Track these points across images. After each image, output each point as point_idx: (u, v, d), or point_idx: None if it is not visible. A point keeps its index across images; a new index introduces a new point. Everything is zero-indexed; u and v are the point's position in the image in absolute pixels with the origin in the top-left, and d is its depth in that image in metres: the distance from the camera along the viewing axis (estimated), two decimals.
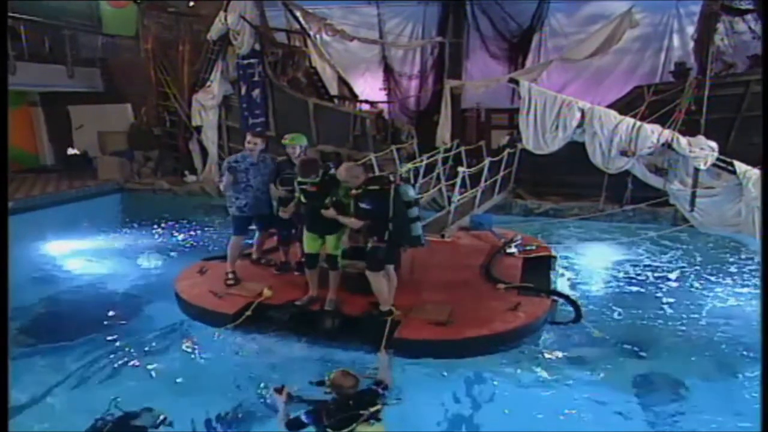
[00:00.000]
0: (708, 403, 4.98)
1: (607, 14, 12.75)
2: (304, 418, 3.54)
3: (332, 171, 5.66)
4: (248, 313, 5.89)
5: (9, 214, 10.70)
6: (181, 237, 10.68)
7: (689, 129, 9.24)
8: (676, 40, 13.37)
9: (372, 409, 3.48)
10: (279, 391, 3.66)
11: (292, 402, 3.66)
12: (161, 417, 4.05)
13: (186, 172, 14.49)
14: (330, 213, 5.47)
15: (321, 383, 3.70)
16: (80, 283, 8.08)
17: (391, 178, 5.52)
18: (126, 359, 5.59)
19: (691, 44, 12.08)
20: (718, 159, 7.81)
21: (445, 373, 5.23)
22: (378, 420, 3.50)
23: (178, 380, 5.19)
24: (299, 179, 5.63)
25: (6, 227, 3.89)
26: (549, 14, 14.35)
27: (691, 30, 12.49)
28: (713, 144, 7.86)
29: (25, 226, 10.70)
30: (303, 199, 5.77)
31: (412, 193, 5.67)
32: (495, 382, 5.15)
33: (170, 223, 11.44)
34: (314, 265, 6.00)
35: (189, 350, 5.72)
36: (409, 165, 9.19)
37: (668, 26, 13.42)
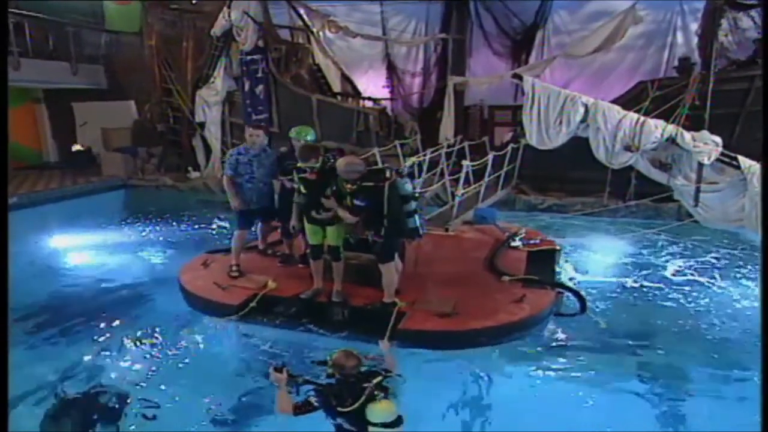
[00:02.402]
0: (714, 397, 4.98)
1: (611, 11, 12.70)
2: (314, 401, 3.53)
3: (332, 161, 5.67)
4: (253, 304, 5.90)
5: (14, 209, 10.90)
6: (183, 232, 10.71)
7: (693, 124, 9.24)
8: (680, 37, 13.32)
9: (374, 381, 3.48)
10: (279, 370, 3.64)
11: (295, 383, 3.64)
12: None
13: (189, 169, 14.52)
14: (331, 203, 5.46)
15: (323, 363, 3.71)
16: (84, 276, 8.13)
17: (387, 174, 5.47)
18: (130, 350, 5.62)
19: (695, 41, 12.06)
20: (722, 154, 7.81)
21: (450, 364, 5.24)
22: (385, 393, 3.50)
23: (183, 371, 5.21)
24: (299, 165, 5.59)
25: (6, 227, 3.87)
26: (552, 11, 14.34)
27: (695, 27, 12.47)
28: (717, 139, 7.86)
29: (29, 221, 10.80)
30: (302, 189, 5.76)
31: (409, 187, 5.65)
32: (499, 373, 5.17)
33: (173, 218, 11.48)
34: (318, 255, 6.00)
35: (193, 341, 5.75)
36: (412, 159, 9.19)
37: (672, 23, 13.39)
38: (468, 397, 4.92)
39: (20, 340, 5.84)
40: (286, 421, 3.81)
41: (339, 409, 3.45)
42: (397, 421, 3.49)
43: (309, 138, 6.42)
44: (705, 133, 8.06)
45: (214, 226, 10.90)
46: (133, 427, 4.19)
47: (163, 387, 4.92)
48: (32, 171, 14.96)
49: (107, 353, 5.60)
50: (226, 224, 10.54)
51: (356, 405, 3.41)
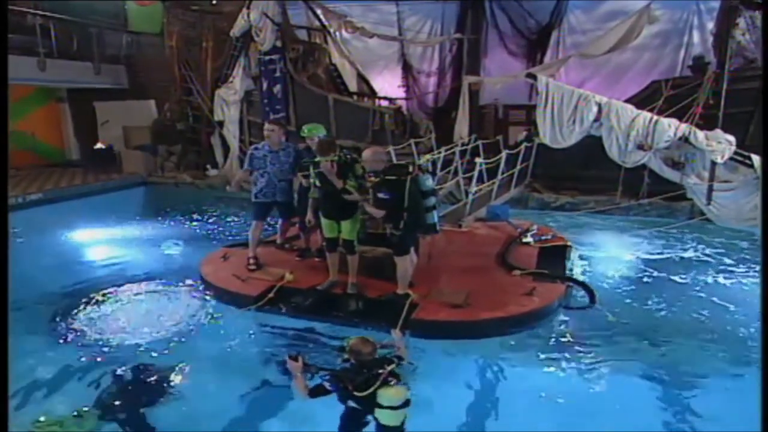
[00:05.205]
0: (725, 393, 5.03)
1: (627, 11, 12.64)
2: (327, 385, 3.69)
3: (348, 157, 5.85)
4: (271, 295, 6.10)
5: (39, 205, 11.22)
6: (201, 227, 10.97)
7: (707, 123, 9.26)
8: (696, 37, 13.25)
9: (388, 368, 3.64)
10: (294, 358, 3.80)
11: (309, 370, 3.79)
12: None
13: (208, 166, 14.75)
14: (355, 197, 5.65)
15: (341, 349, 3.87)
16: (106, 269, 8.32)
17: (410, 169, 5.67)
18: (148, 339, 5.79)
19: (711, 39, 12.04)
20: (735, 152, 7.83)
21: (460, 354, 5.37)
22: (398, 379, 3.65)
23: (202, 358, 5.35)
24: (316, 159, 5.78)
25: (6, 227, 4.01)
26: (568, 11, 14.33)
27: (711, 26, 12.45)
28: (731, 138, 7.88)
29: (53, 216, 11.12)
30: (318, 183, 5.94)
31: (430, 183, 5.85)
32: (508, 363, 5.27)
33: (191, 214, 11.75)
34: (334, 248, 6.19)
35: (212, 330, 5.92)
36: (427, 156, 9.31)
37: (688, 22, 13.33)
38: (476, 386, 5.02)
39: (44, 328, 6.05)
40: (301, 406, 4.00)
41: (355, 393, 3.60)
42: (405, 404, 3.65)
43: (321, 135, 6.64)
44: (718, 132, 8.08)
45: (187, 225, 11.21)
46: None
47: (182, 374, 5.10)
48: (56, 168, 15.33)
49: (126, 341, 5.76)
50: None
51: (371, 390, 3.56)
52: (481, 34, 14.63)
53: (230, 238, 9.71)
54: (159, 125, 15.47)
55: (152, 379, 4.47)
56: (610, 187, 10.57)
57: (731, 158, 7.84)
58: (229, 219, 11.53)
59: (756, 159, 7.66)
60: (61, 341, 5.71)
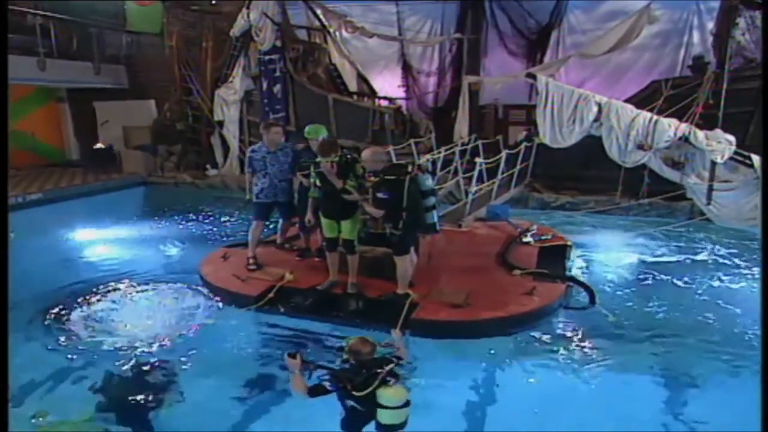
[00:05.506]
0: (721, 391, 5.03)
1: (627, 11, 12.65)
2: (327, 385, 3.69)
3: (349, 157, 5.86)
4: (271, 295, 6.10)
5: (39, 205, 11.22)
6: (200, 227, 10.97)
7: (707, 123, 9.27)
8: (696, 36, 13.26)
9: (387, 368, 3.63)
10: (293, 356, 3.80)
11: (308, 368, 3.79)
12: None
13: (208, 166, 14.74)
14: (356, 197, 5.66)
15: (340, 349, 3.87)
16: (105, 269, 8.32)
17: (409, 169, 5.68)
18: (150, 338, 5.80)
19: (711, 39, 12.04)
20: (735, 152, 7.84)
21: (460, 353, 5.37)
22: (397, 379, 3.65)
23: (203, 358, 5.34)
24: (317, 159, 5.79)
25: (6, 227, 4.00)
26: (567, 11, 14.34)
27: (711, 26, 12.46)
28: (731, 137, 7.89)
29: (53, 215, 11.12)
30: (318, 183, 5.94)
31: (429, 182, 5.85)
32: (508, 363, 5.28)
33: (191, 214, 11.75)
34: (334, 248, 6.19)
35: (212, 330, 5.92)
36: (427, 156, 9.32)
37: (688, 22, 13.35)
38: (476, 386, 5.01)
39: (41, 327, 6.05)
40: (301, 406, 4.00)
41: (354, 393, 3.60)
42: (405, 404, 3.64)
43: (323, 135, 6.65)
44: (718, 131, 8.10)
45: (187, 224, 11.19)
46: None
47: (181, 374, 5.09)
48: (56, 168, 15.33)
49: (125, 341, 5.76)
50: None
51: (369, 390, 3.56)
52: (481, 34, 14.63)
53: (225, 239, 9.69)
54: (159, 125, 15.46)
55: (151, 379, 4.46)
56: (610, 187, 10.58)
57: (731, 158, 7.85)
58: (228, 219, 11.53)
59: (756, 159, 7.68)
60: (59, 341, 5.72)
